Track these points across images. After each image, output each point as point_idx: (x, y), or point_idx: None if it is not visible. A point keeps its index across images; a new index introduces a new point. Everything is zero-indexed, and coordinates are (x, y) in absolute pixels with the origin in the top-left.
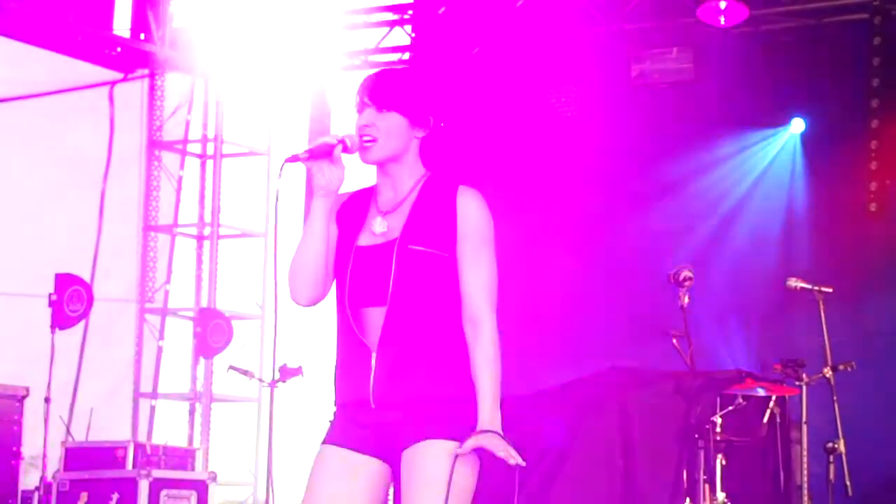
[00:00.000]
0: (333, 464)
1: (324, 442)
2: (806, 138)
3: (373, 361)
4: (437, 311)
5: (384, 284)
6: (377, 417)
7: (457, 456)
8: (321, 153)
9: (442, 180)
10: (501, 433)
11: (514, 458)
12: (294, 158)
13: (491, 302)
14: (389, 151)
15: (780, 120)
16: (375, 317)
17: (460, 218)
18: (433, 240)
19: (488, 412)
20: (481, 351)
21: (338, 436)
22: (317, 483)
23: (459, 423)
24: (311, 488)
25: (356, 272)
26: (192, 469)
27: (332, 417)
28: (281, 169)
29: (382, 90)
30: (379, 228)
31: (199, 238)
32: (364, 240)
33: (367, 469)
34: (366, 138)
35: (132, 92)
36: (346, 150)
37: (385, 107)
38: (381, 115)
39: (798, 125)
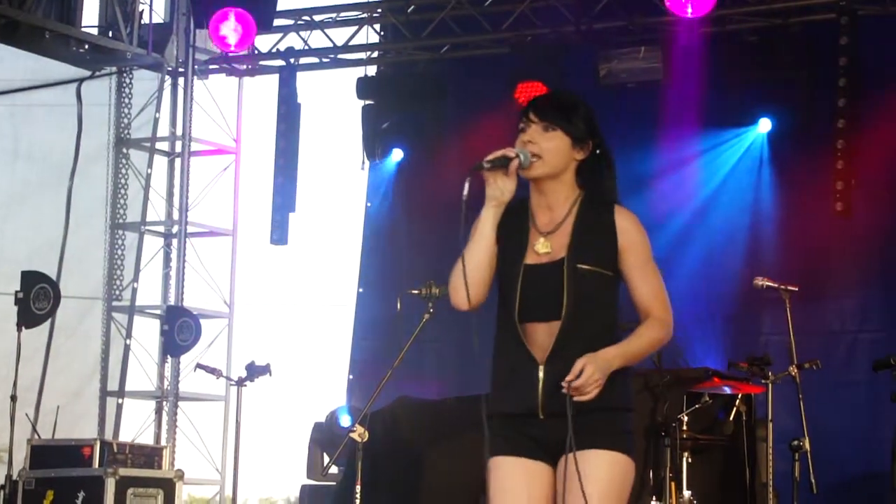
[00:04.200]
0: (517, 472)
1: (497, 454)
2: (773, 138)
3: (541, 374)
4: (600, 326)
5: (554, 301)
6: (544, 427)
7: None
8: (499, 164)
9: (596, 200)
10: (602, 368)
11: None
12: (477, 168)
13: (666, 307)
14: (551, 169)
15: (747, 119)
16: (544, 331)
17: (621, 235)
18: (598, 259)
19: (612, 350)
20: (647, 324)
21: (511, 446)
22: (505, 491)
23: (619, 434)
24: (501, 497)
25: (526, 289)
26: (159, 467)
27: (495, 429)
28: (467, 182)
29: (551, 110)
30: (542, 249)
31: (167, 236)
32: (530, 258)
33: (542, 472)
34: (532, 155)
35: (100, 89)
36: (519, 165)
37: (552, 126)
38: (546, 133)
39: (765, 125)
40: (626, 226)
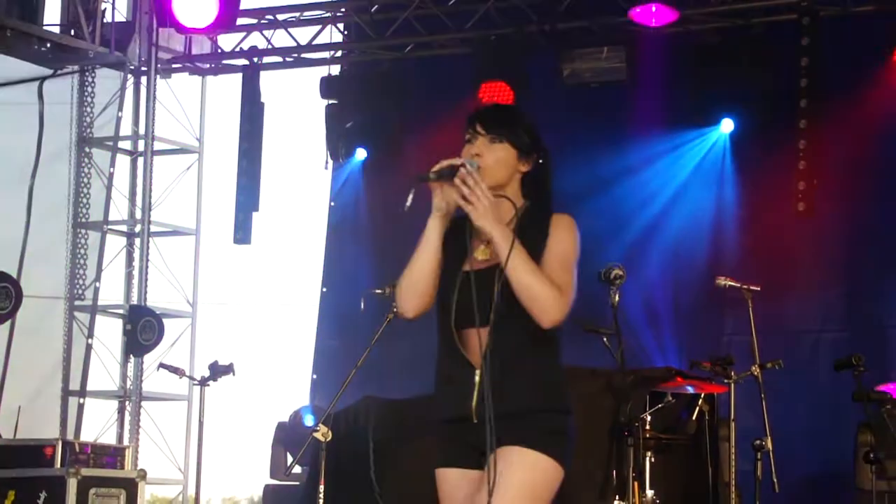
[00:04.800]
0: (462, 485)
1: (442, 465)
2: (735, 138)
3: (476, 379)
4: (532, 331)
5: (488, 306)
6: (479, 432)
7: None
8: (446, 175)
9: (539, 209)
10: (489, 206)
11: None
12: (423, 179)
13: (565, 295)
14: (496, 180)
15: (709, 120)
16: (479, 336)
17: (550, 238)
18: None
19: (504, 227)
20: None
21: (452, 457)
22: None
23: (549, 434)
24: None
25: (463, 295)
26: (122, 467)
27: (437, 435)
28: (411, 193)
29: (497, 122)
30: (482, 256)
31: (130, 235)
32: (468, 265)
33: (482, 479)
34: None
35: (62, 88)
36: (438, 179)
37: (498, 138)
38: (492, 145)
39: (727, 125)
40: (556, 228)
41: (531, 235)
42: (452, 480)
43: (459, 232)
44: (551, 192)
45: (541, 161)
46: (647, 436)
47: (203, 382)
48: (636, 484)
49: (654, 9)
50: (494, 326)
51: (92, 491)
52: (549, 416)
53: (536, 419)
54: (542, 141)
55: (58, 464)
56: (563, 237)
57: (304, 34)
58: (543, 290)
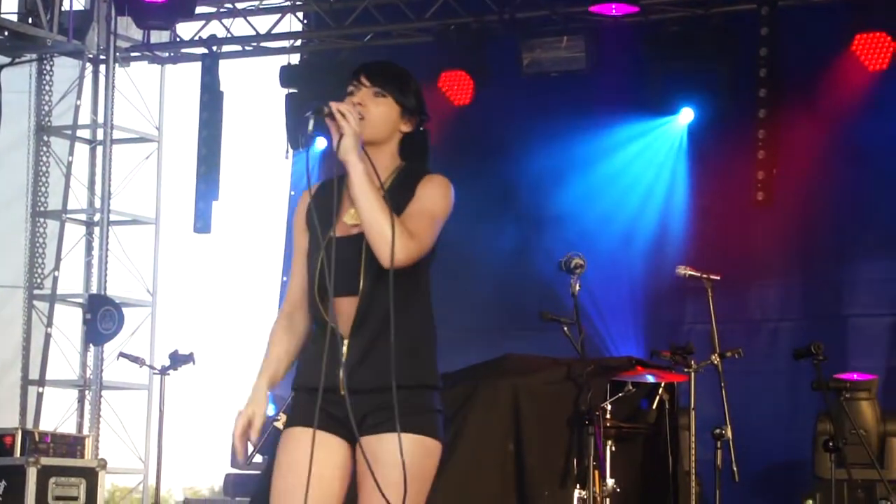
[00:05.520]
0: (303, 441)
1: (290, 425)
2: (694, 127)
3: (345, 349)
4: (403, 298)
5: (355, 273)
6: (344, 405)
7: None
8: (329, 115)
9: (414, 171)
10: (357, 134)
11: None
12: (317, 110)
13: (419, 235)
14: (375, 134)
15: (668, 109)
16: (349, 305)
17: (416, 194)
18: None
19: (362, 162)
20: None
21: (305, 419)
22: (289, 461)
23: (420, 414)
24: (285, 466)
25: (329, 263)
26: (82, 457)
27: (293, 401)
28: (310, 119)
29: (383, 76)
30: (351, 220)
31: (89, 224)
32: (337, 230)
33: (335, 445)
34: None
35: (20, 76)
36: (332, 116)
37: (382, 92)
38: (376, 99)
39: (687, 114)
40: (426, 184)
41: (402, 193)
42: (294, 435)
43: (327, 196)
44: (429, 157)
45: (422, 129)
46: (608, 425)
47: (163, 372)
48: (597, 473)
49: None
50: (364, 295)
51: (52, 480)
52: (421, 393)
53: (409, 395)
54: (427, 108)
55: (17, 453)
56: (432, 192)
57: (263, 23)
58: (387, 228)
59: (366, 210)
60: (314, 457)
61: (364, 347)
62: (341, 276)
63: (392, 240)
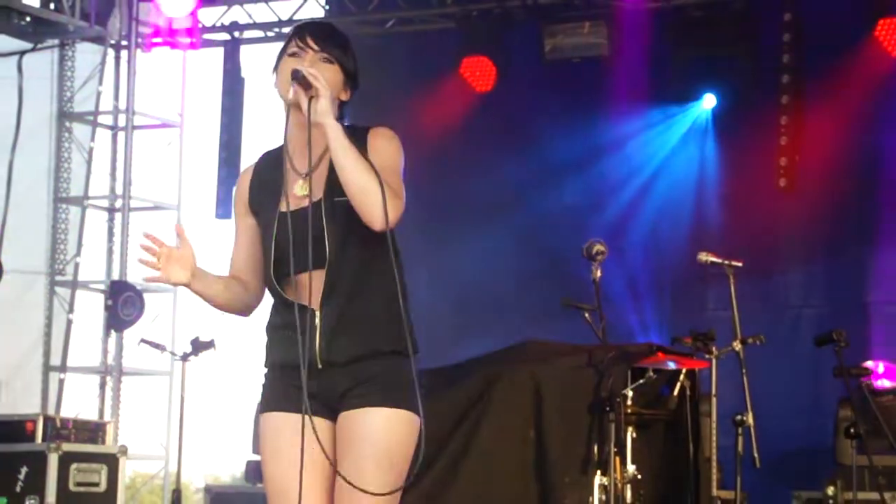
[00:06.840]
0: (287, 430)
1: (268, 410)
2: (717, 114)
3: (317, 322)
4: (370, 263)
5: (320, 244)
6: (321, 379)
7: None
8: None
9: (355, 129)
10: (327, 103)
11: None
12: (295, 76)
13: (396, 194)
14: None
15: (691, 95)
16: (315, 278)
17: (371, 151)
18: None
19: (338, 126)
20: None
21: (282, 402)
22: (275, 452)
23: (399, 388)
24: (272, 457)
25: (285, 238)
26: (103, 443)
27: (266, 381)
28: (291, 87)
29: (332, 42)
30: (301, 191)
31: (111, 210)
32: (288, 205)
33: (319, 427)
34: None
35: (42, 62)
36: (304, 80)
37: (330, 59)
38: (324, 64)
39: (710, 100)
40: (375, 138)
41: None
42: (276, 424)
43: (272, 170)
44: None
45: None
46: (629, 411)
47: (184, 358)
48: (617, 459)
49: None
50: (331, 265)
51: (73, 466)
52: (397, 361)
53: (386, 365)
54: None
55: (39, 439)
56: (384, 145)
57: (285, 8)
58: (378, 189)
59: (352, 172)
60: (297, 443)
61: (337, 316)
62: (302, 251)
63: (384, 201)
